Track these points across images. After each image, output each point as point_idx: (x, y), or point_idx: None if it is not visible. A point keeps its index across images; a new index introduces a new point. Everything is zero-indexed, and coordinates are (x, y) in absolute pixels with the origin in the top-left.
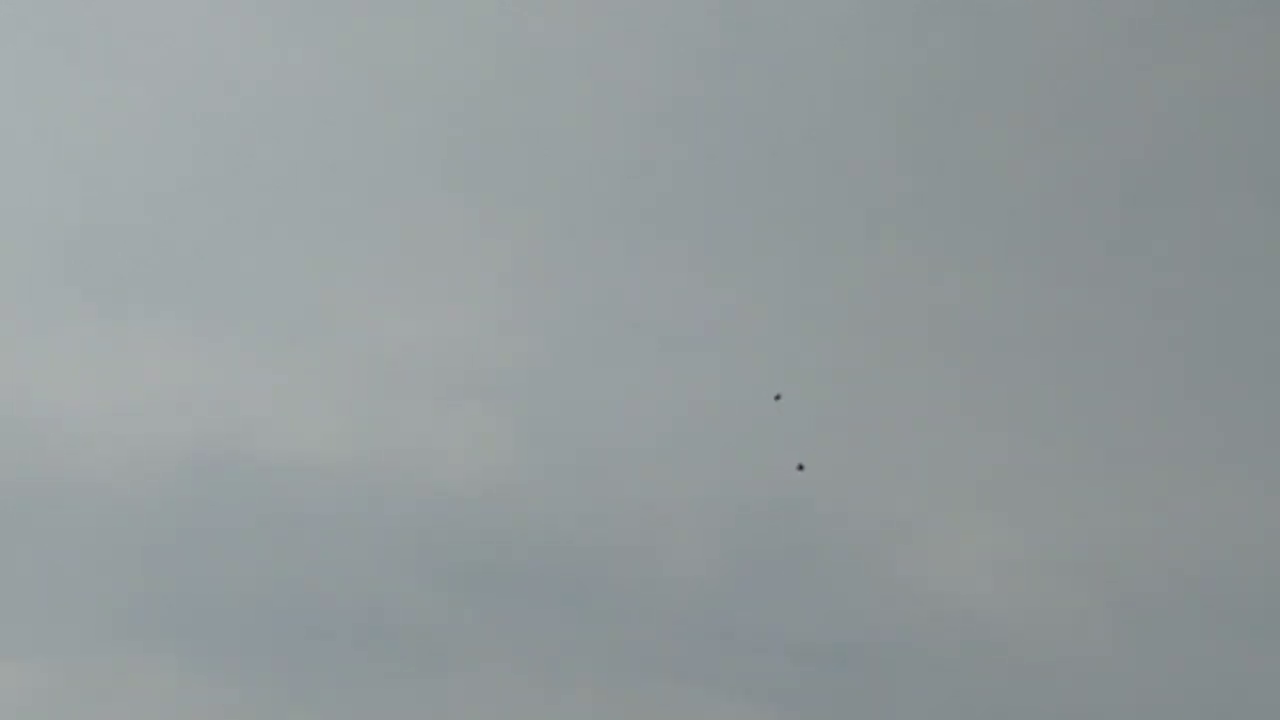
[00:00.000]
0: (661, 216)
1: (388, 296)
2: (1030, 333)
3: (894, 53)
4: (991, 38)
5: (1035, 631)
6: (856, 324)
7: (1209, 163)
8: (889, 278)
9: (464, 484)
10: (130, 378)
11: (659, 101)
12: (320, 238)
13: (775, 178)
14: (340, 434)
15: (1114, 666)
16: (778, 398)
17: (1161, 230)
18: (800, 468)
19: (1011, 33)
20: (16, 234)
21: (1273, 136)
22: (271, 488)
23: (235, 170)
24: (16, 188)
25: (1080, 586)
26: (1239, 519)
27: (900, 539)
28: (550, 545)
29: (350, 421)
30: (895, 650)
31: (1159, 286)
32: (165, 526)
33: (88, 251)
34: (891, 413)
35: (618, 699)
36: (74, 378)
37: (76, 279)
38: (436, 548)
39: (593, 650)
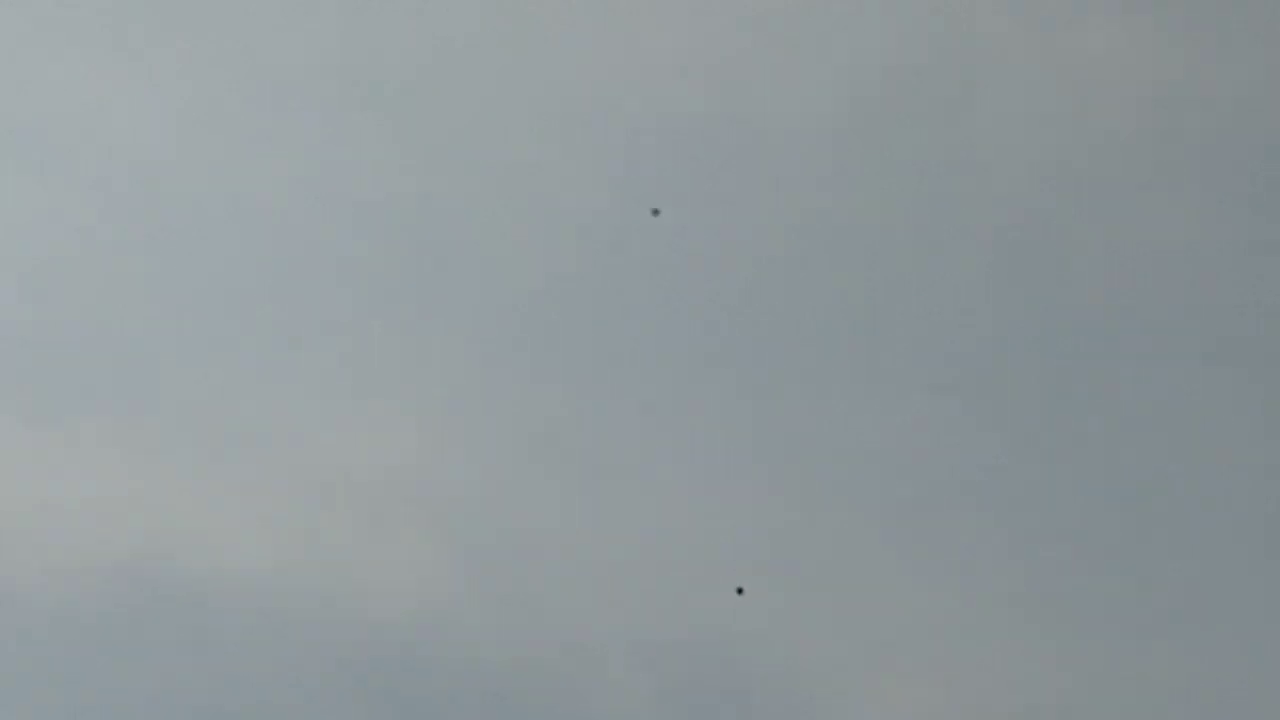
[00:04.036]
0: (604, 344)
1: (326, 416)
2: (971, 485)
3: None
4: None
5: None
6: (795, 467)
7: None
8: (831, 420)
9: (397, 612)
10: (56, 483)
11: (599, 222)
12: (258, 351)
13: (725, 300)
14: (273, 554)
15: None
16: (740, 591)
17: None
18: (740, 591)
19: None
20: None
21: None
22: (200, 607)
23: (171, 279)
24: None
25: None
26: (1171, 684)
27: (834, 689)
28: (481, 681)
29: (283, 542)
30: None
31: (1094, 434)
32: (88, 640)
33: (14, 352)
34: (830, 563)
35: None
36: None
37: (1, 380)
38: (366, 676)
39: None
